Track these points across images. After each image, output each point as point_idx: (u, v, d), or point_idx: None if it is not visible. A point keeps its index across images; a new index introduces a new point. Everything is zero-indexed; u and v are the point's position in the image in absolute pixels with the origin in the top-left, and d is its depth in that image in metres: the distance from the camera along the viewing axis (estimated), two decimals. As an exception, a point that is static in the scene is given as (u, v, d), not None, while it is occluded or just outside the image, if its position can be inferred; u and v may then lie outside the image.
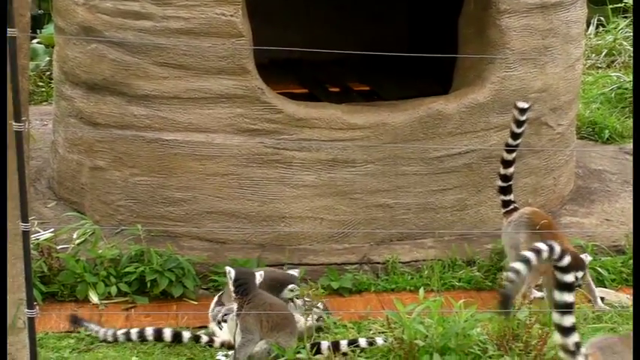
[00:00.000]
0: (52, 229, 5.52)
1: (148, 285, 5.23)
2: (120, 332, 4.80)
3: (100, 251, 5.33)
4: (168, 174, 5.72)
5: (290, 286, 4.90)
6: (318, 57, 6.00)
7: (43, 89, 8.75)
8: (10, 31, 3.78)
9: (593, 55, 10.00)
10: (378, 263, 5.64)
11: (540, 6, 6.01)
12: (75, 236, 5.51)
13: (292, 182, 5.74)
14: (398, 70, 7.43)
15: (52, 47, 6.80)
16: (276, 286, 4.86)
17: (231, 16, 5.53)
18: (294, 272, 5.07)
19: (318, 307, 4.84)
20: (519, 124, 5.29)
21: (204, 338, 4.80)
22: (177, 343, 4.78)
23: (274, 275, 5.01)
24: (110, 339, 4.79)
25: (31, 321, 3.96)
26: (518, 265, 3.74)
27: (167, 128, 5.68)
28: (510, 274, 3.75)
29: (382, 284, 5.50)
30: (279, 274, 5.11)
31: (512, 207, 5.39)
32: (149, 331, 4.79)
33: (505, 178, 5.37)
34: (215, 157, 5.67)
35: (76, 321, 4.85)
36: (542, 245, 3.70)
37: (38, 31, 9.25)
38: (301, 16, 7.90)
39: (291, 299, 4.87)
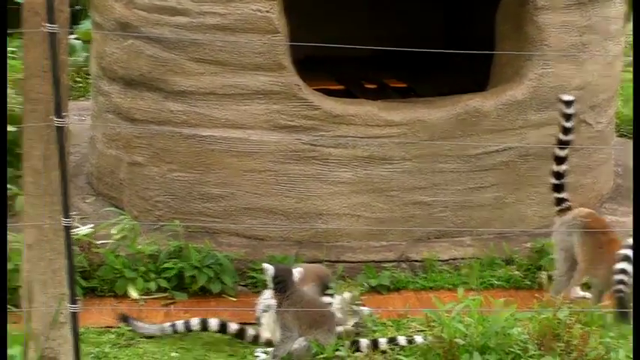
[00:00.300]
0: (91, 225, 5.54)
1: (187, 281, 5.24)
2: (166, 325, 4.77)
3: (139, 247, 5.35)
4: (206, 170, 5.73)
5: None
6: (354, 54, 5.98)
7: (81, 84, 8.81)
8: (51, 27, 3.81)
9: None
10: (416, 261, 5.61)
11: (578, 2, 5.95)
12: (114, 232, 5.52)
13: (329, 179, 5.73)
14: (434, 66, 7.39)
15: (89, 43, 6.83)
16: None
17: (267, 12, 5.52)
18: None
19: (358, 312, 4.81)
20: (567, 117, 5.14)
21: (251, 332, 4.77)
22: (222, 333, 4.75)
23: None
24: (159, 334, 4.77)
25: (74, 316, 3.98)
26: (623, 265, 4.02)
27: (204, 124, 5.69)
28: (619, 276, 3.85)
29: (420, 282, 5.47)
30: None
31: (565, 205, 5.20)
32: (195, 322, 4.75)
33: (558, 175, 5.19)
34: (252, 153, 5.67)
35: (124, 319, 4.83)
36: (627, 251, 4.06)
37: (75, 26, 9.31)
38: (337, 13, 7.89)
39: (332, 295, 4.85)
